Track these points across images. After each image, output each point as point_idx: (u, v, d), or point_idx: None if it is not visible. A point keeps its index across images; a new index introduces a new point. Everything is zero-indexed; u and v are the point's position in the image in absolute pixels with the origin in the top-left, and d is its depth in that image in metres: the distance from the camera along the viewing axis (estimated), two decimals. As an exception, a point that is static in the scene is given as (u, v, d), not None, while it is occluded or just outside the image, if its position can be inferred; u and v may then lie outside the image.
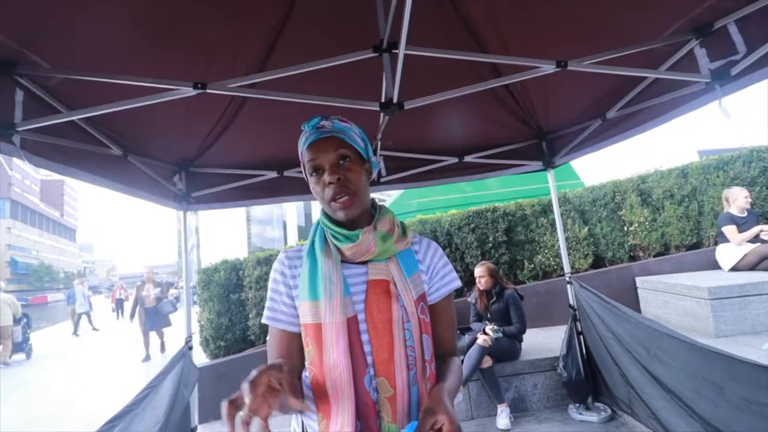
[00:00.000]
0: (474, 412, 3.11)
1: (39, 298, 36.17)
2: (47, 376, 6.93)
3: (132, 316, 7.44)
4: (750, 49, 1.45)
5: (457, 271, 4.29)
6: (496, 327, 3.08)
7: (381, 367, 0.80)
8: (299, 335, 0.86)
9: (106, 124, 1.82)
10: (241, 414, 0.57)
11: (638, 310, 4.22)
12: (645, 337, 2.25)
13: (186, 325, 2.68)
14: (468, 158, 2.88)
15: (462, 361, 2.91)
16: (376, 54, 1.40)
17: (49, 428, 4.35)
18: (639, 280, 4.30)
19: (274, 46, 1.74)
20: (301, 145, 0.88)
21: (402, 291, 0.85)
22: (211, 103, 1.99)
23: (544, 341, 3.62)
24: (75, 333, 11.51)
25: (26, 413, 4.94)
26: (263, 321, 0.90)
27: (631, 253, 4.64)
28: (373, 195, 0.98)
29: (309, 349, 0.83)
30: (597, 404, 2.88)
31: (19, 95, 1.33)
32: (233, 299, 4.30)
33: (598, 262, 4.67)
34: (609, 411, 2.77)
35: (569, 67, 1.53)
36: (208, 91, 1.43)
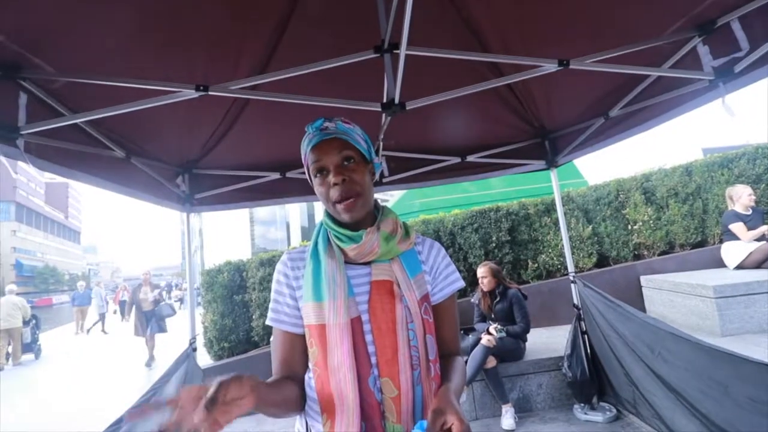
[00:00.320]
0: (478, 412, 3.10)
1: (44, 300, 36.43)
2: (56, 375, 7.06)
3: (128, 316, 7.29)
4: (753, 46, 1.44)
5: (461, 272, 4.34)
6: (499, 327, 3.08)
7: (385, 368, 0.80)
8: (302, 336, 0.87)
9: (109, 127, 1.83)
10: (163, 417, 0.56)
11: (643, 309, 4.20)
12: (649, 337, 2.24)
13: (190, 327, 2.68)
14: (470, 158, 2.87)
15: (466, 362, 2.91)
16: (378, 54, 1.40)
17: (57, 426, 4.40)
18: (643, 279, 4.28)
19: (276, 48, 1.74)
20: (305, 147, 0.88)
21: (405, 291, 0.85)
22: (214, 105, 2.00)
23: (548, 341, 3.61)
24: (87, 331, 11.82)
25: (36, 411, 5.05)
26: (267, 322, 0.91)
27: (636, 252, 4.62)
28: (375, 195, 0.98)
29: (313, 350, 0.83)
30: (602, 404, 2.87)
31: (23, 99, 1.34)
32: (237, 300, 4.32)
33: (602, 261, 4.65)
34: (614, 411, 2.76)
35: (571, 66, 1.52)
36: (210, 93, 1.43)
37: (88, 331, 11.95)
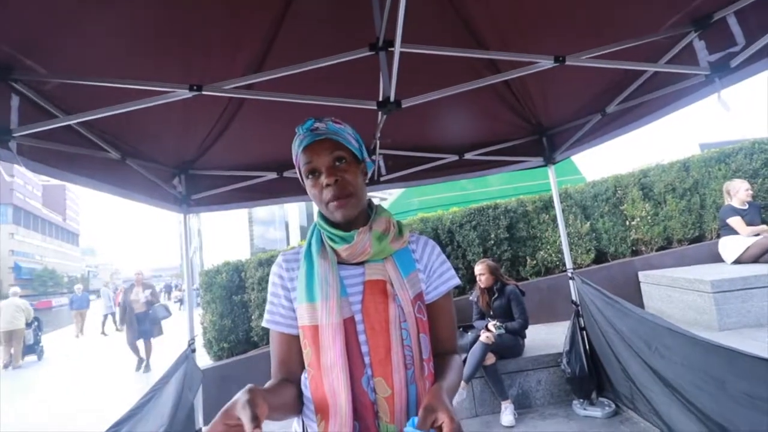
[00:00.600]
0: (478, 409, 3.10)
1: (43, 303, 36.31)
2: (58, 376, 7.17)
3: (121, 323, 6.55)
4: (749, 41, 1.43)
5: (459, 269, 4.34)
6: (498, 324, 3.08)
7: (378, 367, 0.80)
8: (298, 337, 0.86)
9: (103, 128, 1.81)
10: None
11: (641, 304, 4.22)
12: (646, 332, 2.24)
13: (189, 328, 2.68)
14: (468, 155, 2.87)
15: (465, 360, 2.91)
16: (373, 52, 1.39)
17: (59, 425, 4.50)
18: (641, 275, 4.29)
19: (270, 47, 1.73)
20: (296, 148, 0.88)
21: (399, 290, 0.85)
22: (209, 105, 1.99)
23: (547, 337, 3.61)
24: (102, 333, 11.89)
25: (39, 410, 5.18)
26: (263, 324, 0.91)
27: (634, 248, 4.64)
28: (373, 194, 0.98)
29: (307, 351, 0.83)
30: (601, 399, 2.88)
31: (15, 101, 1.33)
32: (236, 301, 4.31)
33: (600, 257, 4.66)
34: (613, 406, 2.77)
35: (567, 62, 1.52)
36: (203, 92, 1.42)
37: (103, 332, 11.95)
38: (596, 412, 2.78)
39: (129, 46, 1.45)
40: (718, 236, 4.02)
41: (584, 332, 2.96)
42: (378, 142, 2.44)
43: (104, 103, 1.41)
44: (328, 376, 0.79)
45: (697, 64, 1.60)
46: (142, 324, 6.22)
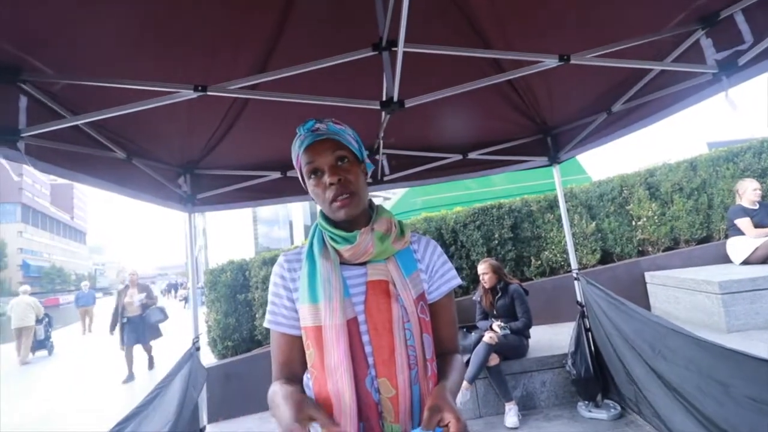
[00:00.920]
0: (482, 410, 3.10)
1: (51, 300, 36.71)
2: (65, 372, 7.34)
3: (112, 327, 5.97)
4: (757, 39, 1.41)
5: (463, 269, 4.33)
6: (502, 324, 3.07)
7: (382, 368, 0.80)
8: (301, 338, 0.86)
9: (109, 128, 1.83)
10: None
11: (647, 305, 4.18)
12: (651, 334, 2.22)
13: (193, 326, 2.70)
14: (472, 155, 2.86)
15: (468, 360, 2.90)
16: (376, 52, 1.39)
17: (68, 417, 4.71)
18: (648, 275, 4.25)
19: (274, 47, 1.74)
20: (297, 149, 0.88)
21: (401, 291, 0.85)
22: (214, 105, 2.00)
23: (552, 338, 3.60)
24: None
25: (49, 404, 5.39)
26: (265, 325, 0.91)
27: (640, 248, 4.59)
28: (377, 193, 0.99)
29: (310, 352, 0.83)
30: (606, 402, 2.86)
31: (23, 101, 1.34)
32: (240, 300, 4.33)
33: (606, 258, 4.63)
34: (618, 408, 2.75)
35: (572, 61, 1.51)
36: (208, 93, 1.43)
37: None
38: (602, 414, 2.76)
39: (135, 47, 1.46)
40: (726, 237, 3.97)
41: (589, 333, 2.94)
42: (381, 141, 2.44)
43: (110, 104, 1.42)
44: (332, 376, 0.79)
45: (704, 62, 1.58)
46: (136, 329, 5.81)
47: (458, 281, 0.96)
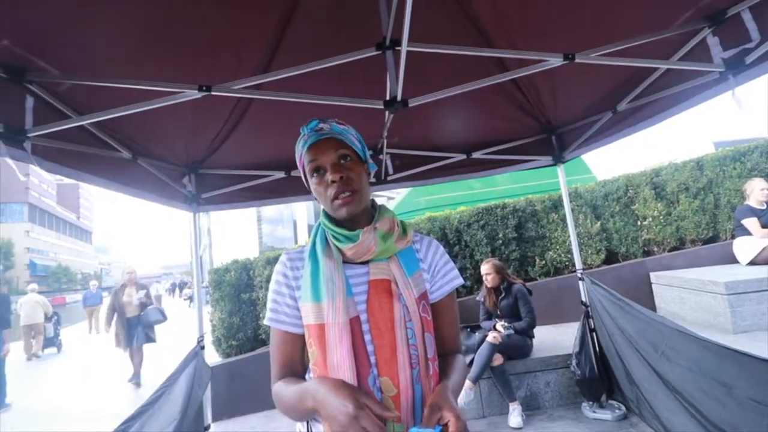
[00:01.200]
0: (485, 410, 3.09)
1: (57, 299, 37.02)
2: (76, 367, 7.61)
3: (108, 326, 5.75)
4: (765, 37, 1.40)
5: (467, 269, 4.32)
6: (506, 324, 3.06)
7: (384, 367, 0.80)
8: (302, 336, 0.87)
9: (114, 128, 1.84)
10: None
11: (653, 306, 4.15)
12: (654, 335, 2.20)
13: (198, 325, 2.71)
14: (476, 154, 2.85)
15: (472, 360, 2.90)
16: (380, 52, 1.39)
17: (78, 411, 4.88)
18: (653, 276, 4.22)
19: (278, 47, 1.74)
20: (300, 148, 0.89)
21: (403, 290, 0.85)
22: (218, 105, 2.01)
23: (556, 338, 3.58)
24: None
25: (60, 397, 5.64)
26: (265, 322, 0.91)
27: (645, 248, 4.56)
28: (380, 193, 0.99)
29: (313, 350, 0.83)
30: (611, 402, 2.84)
31: (30, 102, 1.35)
32: (244, 299, 4.35)
33: (611, 258, 4.60)
34: (623, 409, 2.73)
35: (577, 60, 1.50)
36: (212, 93, 1.44)
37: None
38: (606, 415, 2.75)
39: (139, 47, 1.47)
40: (733, 237, 3.94)
41: (594, 334, 2.92)
42: (385, 141, 2.44)
43: (115, 104, 1.43)
44: (334, 375, 0.79)
45: (711, 60, 1.57)
46: (132, 329, 5.53)
47: (460, 281, 0.96)
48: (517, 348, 3.08)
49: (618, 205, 4.59)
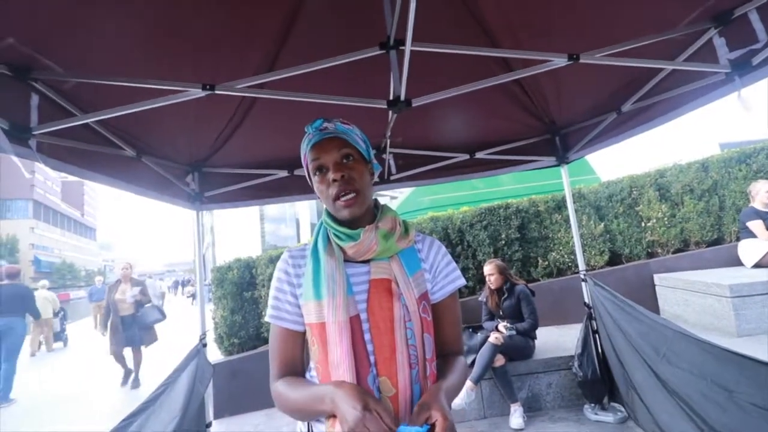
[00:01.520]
0: (487, 411, 3.08)
1: (62, 296, 37.20)
2: (82, 360, 7.90)
3: (103, 327, 5.36)
4: (773, 38, 1.39)
5: (470, 269, 4.32)
6: (508, 325, 3.05)
7: (383, 366, 0.80)
8: (302, 334, 0.87)
9: (119, 126, 1.85)
10: None
11: (656, 308, 4.13)
12: (656, 337, 2.18)
13: (200, 323, 2.72)
14: (479, 155, 2.84)
15: (473, 361, 2.89)
16: (383, 51, 1.39)
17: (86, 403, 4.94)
18: (657, 278, 4.20)
19: (282, 46, 1.74)
20: (304, 147, 0.89)
21: (404, 290, 0.85)
22: (222, 103, 2.01)
23: (558, 340, 3.57)
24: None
25: (68, 388, 5.78)
26: (266, 319, 0.91)
27: (649, 250, 4.54)
28: (383, 192, 0.99)
29: (314, 348, 0.83)
30: (613, 404, 2.83)
31: (35, 100, 1.36)
32: (246, 297, 4.36)
33: (614, 259, 4.58)
34: (625, 412, 2.72)
35: (581, 60, 1.49)
36: (216, 92, 1.44)
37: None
38: (608, 417, 2.74)
39: (144, 45, 1.47)
40: (738, 239, 3.91)
41: (597, 335, 2.91)
42: (388, 140, 2.44)
43: (120, 102, 1.44)
44: (334, 373, 0.79)
45: (717, 61, 1.55)
46: (128, 329, 5.05)
47: (462, 282, 0.95)
48: (519, 349, 3.07)
49: (622, 206, 4.57)
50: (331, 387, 0.74)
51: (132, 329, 5.07)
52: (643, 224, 4.52)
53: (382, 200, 0.99)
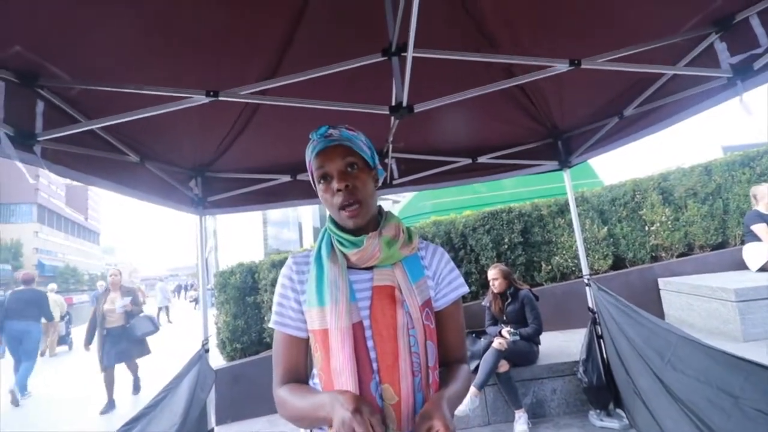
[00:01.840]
0: (491, 417, 3.06)
1: (65, 300, 37.32)
2: (87, 364, 7.79)
3: (88, 341, 4.83)
4: (774, 42, 1.38)
5: (472, 274, 4.30)
6: (512, 330, 3.03)
7: (386, 374, 0.80)
8: (306, 340, 0.87)
9: (123, 132, 1.86)
10: None
11: (661, 312, 4.10)
12: (660, 343, 2.16)
13: (203, 328, 2.72)
14: (482, 159, 2.84)
15: (477, 366, 2.88)
16: (385, 58, 1.39)
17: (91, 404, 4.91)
18: (661, 282, 4.17)
19: (284, 53, 1.75)
20: (309, 153, 0.89)
21: (407, 297, 0.84)
22: (225, 109, 2.02)
23: (563, 345, 3.55)
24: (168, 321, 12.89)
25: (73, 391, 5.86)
26: (270, 325, 0.91)
27: (653, 254, 4.51)
28: (386, 196, 0.99)
29: (318, 355, 0.83)
30: (618, 411, 2.80)
31: (40, 106, 1.37)
32: (249, 302, 4.36)
33: (618, 263, 4.56)
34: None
35: (583, 66, 1.49)
36: (220, 98, 1.45)
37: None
38: (613, 423, 2.71)
39: (148, 53, 1.49)
40: (742, 243, 3.89)
41: (601, 340, 2.89)
42: (390, 146, 2.45)
43: (124, 109, 1.45)
44: (337, 379, 0.79)
45: (719, 66, 1.55)
46: (117, 343, 4.57)
47: (465, 289, 0.95)
48: (523, 354, 3.05)
49: (625, 210, 4.56)
50: (333, 394, 0.74)
51: (121, 343, 4.62)
52: (646, 228, 4.50)
53: (384, 204, 0.99)
